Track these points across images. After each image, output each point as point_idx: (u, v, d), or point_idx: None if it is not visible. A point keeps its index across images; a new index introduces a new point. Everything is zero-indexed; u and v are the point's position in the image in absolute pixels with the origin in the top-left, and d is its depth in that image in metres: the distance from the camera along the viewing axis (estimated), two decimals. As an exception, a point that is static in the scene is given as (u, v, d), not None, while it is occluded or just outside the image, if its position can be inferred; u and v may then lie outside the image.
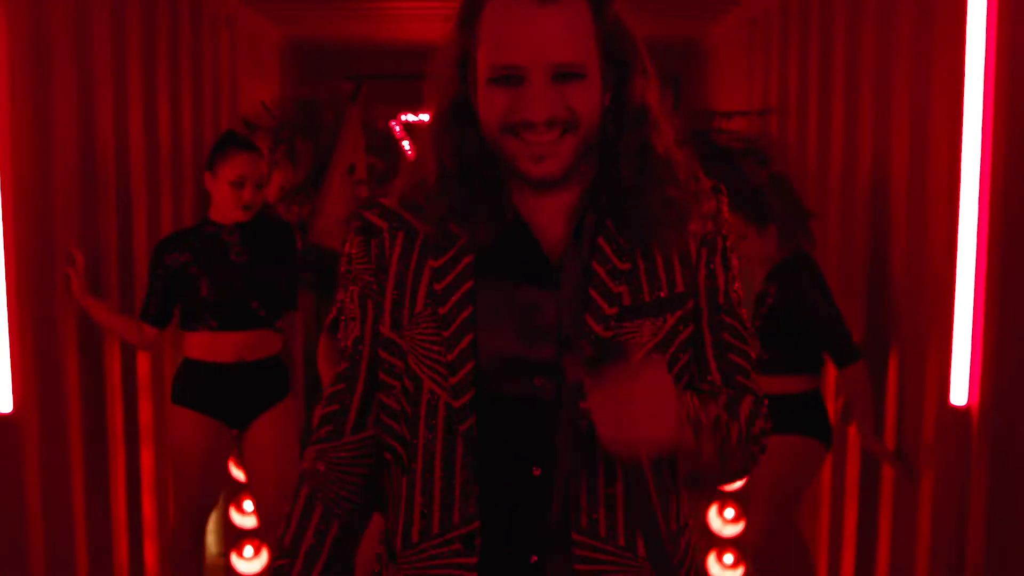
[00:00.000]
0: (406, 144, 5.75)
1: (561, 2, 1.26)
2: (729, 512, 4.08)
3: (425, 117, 5.19)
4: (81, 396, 3.02)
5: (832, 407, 3.33)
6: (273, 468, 3.18)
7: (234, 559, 3.89)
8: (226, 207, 3.10)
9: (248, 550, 3.76)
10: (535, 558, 1.31)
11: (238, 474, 3.71)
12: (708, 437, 1.27)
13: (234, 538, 3.91)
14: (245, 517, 3.90)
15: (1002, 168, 2.38)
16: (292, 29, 5.53)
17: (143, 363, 3.47)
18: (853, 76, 3.37)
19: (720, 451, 1.29)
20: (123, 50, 3.37)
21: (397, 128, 5.78)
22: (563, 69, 1.27)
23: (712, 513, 4.09)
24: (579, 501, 1.31)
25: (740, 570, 3.99)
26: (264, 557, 3.71)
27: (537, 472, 1.30)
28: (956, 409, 2.53)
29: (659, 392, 1.17)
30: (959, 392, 2.51)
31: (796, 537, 3.39)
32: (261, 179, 3.20)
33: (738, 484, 3.84)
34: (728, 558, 4.05)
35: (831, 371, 3.36)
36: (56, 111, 2.89)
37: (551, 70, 1.26)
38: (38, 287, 2.78)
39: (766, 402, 1.38)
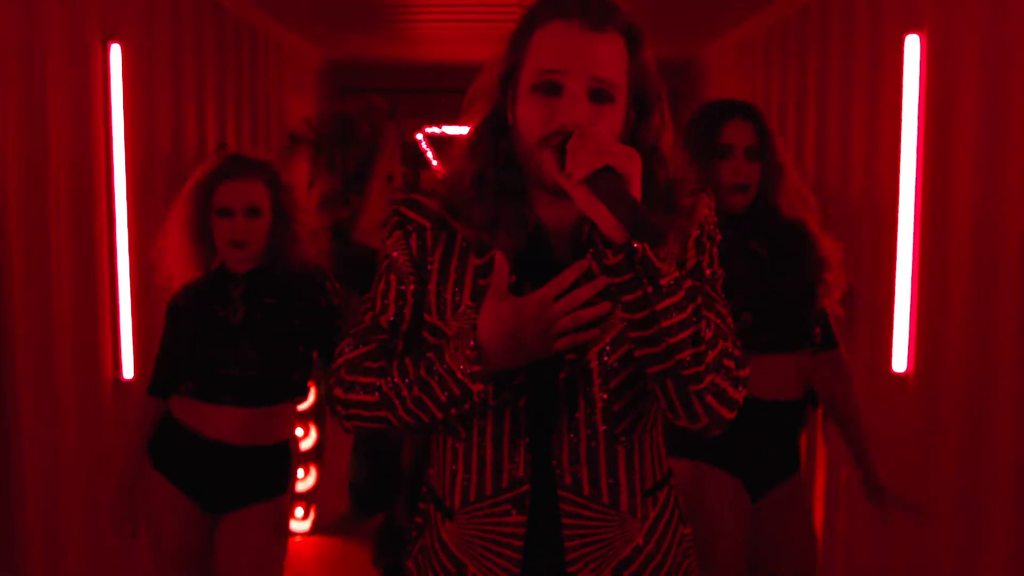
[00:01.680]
0: (430, 154, 6.30)
1: (605, 34, 1.38)
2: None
3: (448, 130, 5.78)
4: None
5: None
6: None
7: None
8: None
9: None
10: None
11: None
12: (666, 261, 1.31)
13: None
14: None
15: (931, 180, 2.94)
16: (329, 50, 6.08)
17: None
18: (822, 95, 3.93)
19: (677, 299, 1.30)
20: (203, 77, 3.96)
21: (422, 140, 6.33)
22: (599, 84, 1.37)
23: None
24: (563, 460, 1.46)
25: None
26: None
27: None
28: (896, 375, 3.10)
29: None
30: (899, 360, 3.08)
31: None
32: None
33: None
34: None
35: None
36: (158, 127, 3.48)
37: (589, 83, 1.36)
38: (146, 273, 3.36)
39: (739, 354, 1.40)
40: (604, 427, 1.46)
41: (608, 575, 1.49)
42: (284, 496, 2.56)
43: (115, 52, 3.03)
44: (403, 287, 1.49)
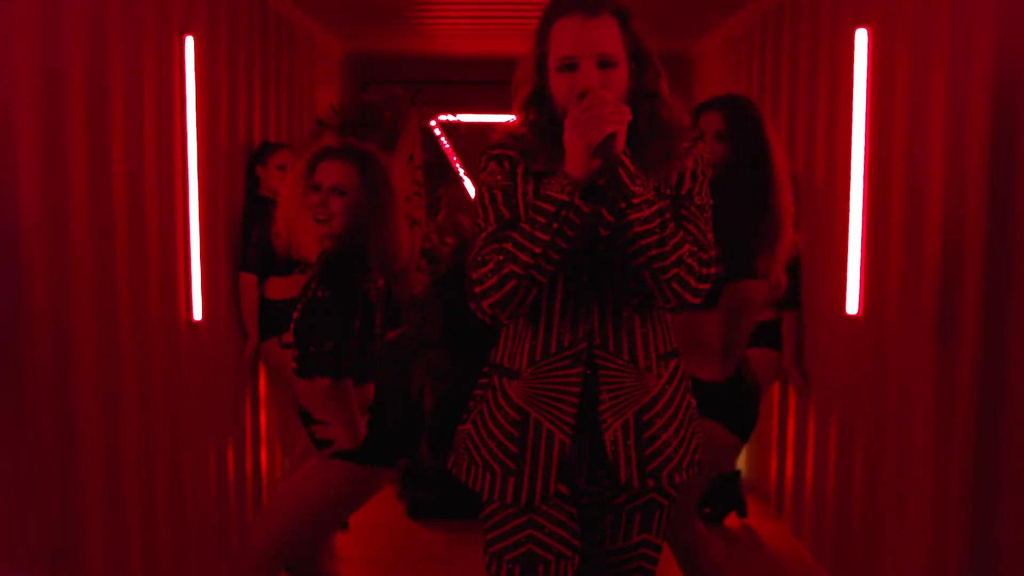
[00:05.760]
0: (444, 140, 6.82)
1: (600, 19, 1.93)
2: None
3: (462, 118, 6.35)
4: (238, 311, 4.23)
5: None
6: None
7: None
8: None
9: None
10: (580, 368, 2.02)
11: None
12: (642, 186, 1.86)
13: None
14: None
15: (875, 155, 3.49)
16: (351, 44, 6.60)
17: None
18: (793, 84, 4.49)
19: (648, 212, 1.85)
20: (251, 66, 4.51)
21: (436, 127, 6.84)
22: (602, 57, 1.92)
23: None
24: (596, 325, 2.00)
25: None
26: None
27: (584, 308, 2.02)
28: (850, 316, 3.65)
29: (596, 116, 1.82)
30: (852, 305, 3.62)
31: None
32: None
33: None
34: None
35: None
36: (219, 107, 4.03)
37: (596, 58, 1.92)
38: (211, 225, 3.92)
39: (705, 256, 1.93)
40: (625, 302, 2.01)
41: (631, 417, 2.01)
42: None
43: (189, 43, 3.57)
44: (507, 191, 2.01)
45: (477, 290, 1.95)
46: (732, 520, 4.72)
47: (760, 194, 3.00)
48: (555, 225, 1.87)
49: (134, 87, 3.15)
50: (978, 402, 2.80)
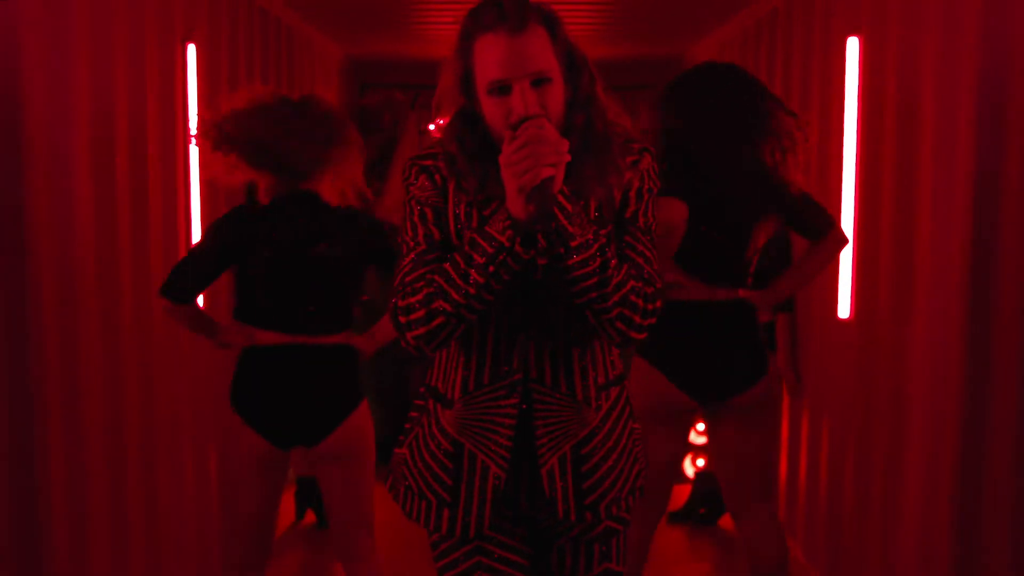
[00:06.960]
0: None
1: (528, 33, 1.72)
2: (700, 426, 5.22)
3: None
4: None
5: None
6: None
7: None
8: None
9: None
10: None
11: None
12: (580, 226, 1.70)
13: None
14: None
15: (865, 163, 3.54)
16: (349, 47, 6.65)
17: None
18: (786, 91, 4.53)
19: (587, 255, 1.71)
20: (251, 72, 4.55)
21: (434, 131, 6.88)
22: (537, 75, 1.72)
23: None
24: (531, 358, 1.86)
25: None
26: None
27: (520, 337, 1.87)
28: (841, 320, 3.70)
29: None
30: (844, 309, 3.68)
31: None
32: None
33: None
34: (700, 462, 5.21)
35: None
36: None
37: (529, 77, 1.71)
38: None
39: (651, 290, 1.80)
40: (562, 333, 1.88)
41: (568, 451, 1.90)
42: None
43: (191, 51, 3.63)
44: (437, 209, 1.85)
45: (402, 320, 1.79)
46: (726, 521, 4.77)
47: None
48: (491, 268, 1.72)
49: (137, 94, 3.21)
50: (967, 404, 2.86)
